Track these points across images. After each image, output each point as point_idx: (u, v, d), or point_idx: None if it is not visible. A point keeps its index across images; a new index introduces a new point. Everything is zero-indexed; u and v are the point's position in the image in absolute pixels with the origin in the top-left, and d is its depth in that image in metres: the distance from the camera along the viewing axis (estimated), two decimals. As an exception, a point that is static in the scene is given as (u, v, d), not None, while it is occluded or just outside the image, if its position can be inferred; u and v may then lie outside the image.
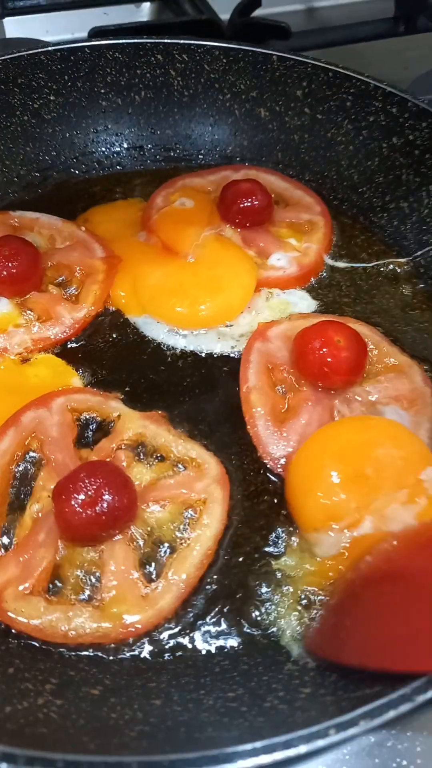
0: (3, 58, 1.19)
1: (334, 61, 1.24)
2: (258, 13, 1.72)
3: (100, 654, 0.74)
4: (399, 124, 1.19)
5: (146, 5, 1.96)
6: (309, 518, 0.83)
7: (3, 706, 0.63)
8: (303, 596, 0.79)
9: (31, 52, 1.21)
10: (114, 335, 1.06)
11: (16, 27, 1.80)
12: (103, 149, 1.33)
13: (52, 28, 1.84)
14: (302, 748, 0.53)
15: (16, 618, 0.75)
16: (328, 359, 0.93)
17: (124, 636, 0.75)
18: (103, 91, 1.30)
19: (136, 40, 1.25)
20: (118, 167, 1.34)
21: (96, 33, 1.50)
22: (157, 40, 1.26)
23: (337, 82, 1.23)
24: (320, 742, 0.54)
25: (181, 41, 1.27)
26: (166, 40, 1.26)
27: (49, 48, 1.23)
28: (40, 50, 1.22)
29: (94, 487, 0.78)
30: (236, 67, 1.29)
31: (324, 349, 0.93)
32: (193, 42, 1.27)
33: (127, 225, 1.21)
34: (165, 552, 0.82)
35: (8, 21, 1.79)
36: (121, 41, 1.25)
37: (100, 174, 1.33)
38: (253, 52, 1.26)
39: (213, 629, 0.77)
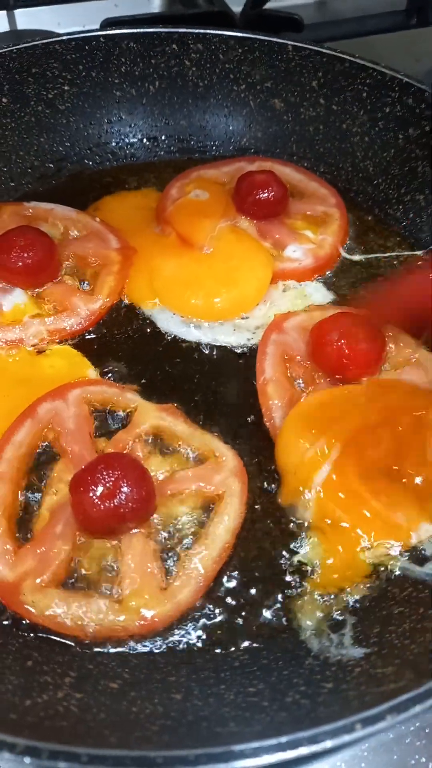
0: (17, 47, 1.18)
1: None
2: (270, 5, 1.70)
3: (118, 647, 0.74)
4: (415, 115, 1.17)
5: (157, -3, 1.94)
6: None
7: (23, 700, 0.62)
8: (323, 590, 0.78)
9: (45, 41, 1.20)
10: (129, 327, 1.05)
11: (28, 19, 1.78)
12: (117, 140, 1.32)
13: (63, 20, 1.82)
14: (328, 743, 0.53)
15: (33, 610, 0.75)
16: (346, 351, 0.92)
17: (143, 629, 0.75)
18: (117, 81, 1.28)
19: (151, 30, 1.24)
20: (132, 158, 1.33)
21: (108, 24, 1.48)
22: (172, 30, 1.25)
23: (353, 73, 1.22)
24: (346, 737, 0.53)
25: (196, 30, 1.26)
26: (181, 30, 1.25)
27: (64, 37, 1.22)
28: (54, 40, 1.21)
29: (113, 479, 0.77)
30: (251, 57, 1.27)
31: (341, 341, 0.93)
32: (208, 31, 1.26)
33: (142, 216, 1.20)
34: (183, 545, 0.81)
35: (20, 13, 1.77)
36: (135, 30, 1.24)
37: (114, 165, 1.31)
38: (268, 42, 1.25)
39: (231, 623, 0.77)
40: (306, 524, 0.84)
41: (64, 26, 1.81)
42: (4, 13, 1.74)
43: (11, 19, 1.74)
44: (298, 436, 0.87)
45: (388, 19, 1.85)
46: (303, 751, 0.54)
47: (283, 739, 0.54)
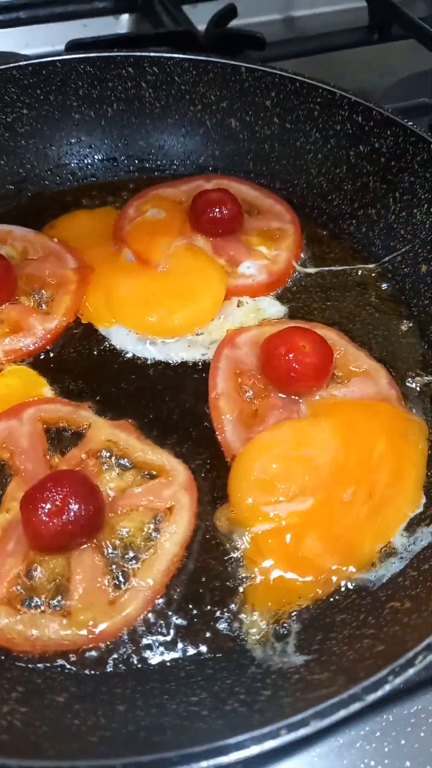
0: (-26, 74, 1.20)
1: (307, 71, 1.26)
2: (235, 23, 1.74)
3: (66, 661, 0.75)
4: (365, 133, 1.21)
5: (125, 17, 1.98)
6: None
7: (-34, 715, 0.64)
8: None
9: (2, 67, 1.22)
10: (85, 345, 1.07)
11: (-4, 39, 1.81)
12: (77, 161, 1.35)
13: (31, 41, 1.86)
14: (254, 749, 0.55)
15: (-17, 627, 0.76)
16: (294, 365, 0.95)
17: (92, 643, 0.76)
18: (75, 104, 1.31)
19: (106, 54, 1.27)
20: (92, 178, 1.35)
21: (73, 46, 1.51)
22: (127, 54, 1.28)
23: (305, 92, 1.25)
24: (272, 743, 0.55)
25: (151, 54, 1.29)
26: (136, 53, 1.28)
27: (21, 63, 1.24)
28: (11, 65, 1.23)
29: (61, 496, 0.79)
30: (206, 79, 1.30)
31: (289, 355, 0.95)
32: (163, 54, 1.29)
33: (99, 235, 1.22)
34: (133, 559, 0.83)
35: (-13, 35, 1.80)
36: (91, 55, 1.27)
37: (74, 185, 1.34)
38: (222, 64, 1.28)
39: (180, 634, 0.78)
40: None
41: (32, 47, 1.84)
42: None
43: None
44: (250, 487, 0.87)
45: (351, 35, 1.89)
46: (232, 757, 0.55)
47: (214, 745, 0.56)
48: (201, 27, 1.73)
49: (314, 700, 0.60)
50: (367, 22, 1.89)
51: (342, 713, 0.57)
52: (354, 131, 1.22)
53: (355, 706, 0.57)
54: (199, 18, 1.78)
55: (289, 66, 1.44)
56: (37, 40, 1.85)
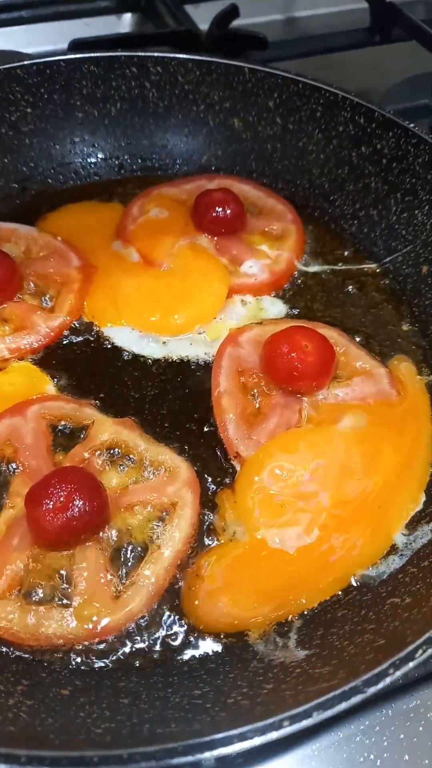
0: (-21, 72, 1.21)
1: (308, 71, 1.27)
2: (237, 23, 1.75)
3: (71, 655, 0.76)
4: (367, 134, 1.22)
5: (127, 16, 1.99)
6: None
7: (-27, 707, 0.65)
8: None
9: (6, 66, 1.23)
10: (89, 343, 1.08)
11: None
12: (80, 160, 1.35)
13: (34, 40, 1.86)
14: (257, 740, 0.56)
15: (-11, 621, 0.77)
16: (296, 364, 0.96)
17: (95, 637, 0.77)
18: (79, 103, 1.32)
19: (110, 54, 1.28)
20: (95, 177, 1.36)
21: (75, 45, 1.52)
22: (131, 53, 1.29)
23: (307, 93, 1.26)
24: (274, 734, 0.56)
25: (155, 54, 1.29)
26: (140, 54, 1.29)
27: (25, 62, 1.25)
28: (16, 65, 1.24)
29: (65, 492, 0.80)
30: (209, 79, 1.31)
31: (292, 354, 0.96)
32: (167, 55, 1.29)
33: (102, 232, 1.23)
34: (136, 555, 0.84)
35: (-10, 32, 1.81)
36: (95, 55, 1.28)
37: (77, 183, 1.35)
38: (225, 65, 1.29)
39: (182, 629, 0.79)
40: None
41: (34, 45, 1.85)
42: (-26, 35, 1.78)
43: (-21, 40, 1.77)
44: (259, 503, 0.88)
45: (352, 36, 1.90)
46: (235, 747, 0.56)
47: (218, 736, 0.57)
48: (203, 26, 1.75)
49: (316, 692, 0.61)
50: (369, 23, 1.91)
51: (343, 705, 0.58)
52: (356, 132, 1.23)
53: (356, 699, 0.58)
54: (201, 17, 1.79)
55: (291, 66, 1.45)
56: (39, 39, 1.86)
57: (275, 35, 1.77)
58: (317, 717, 0.57)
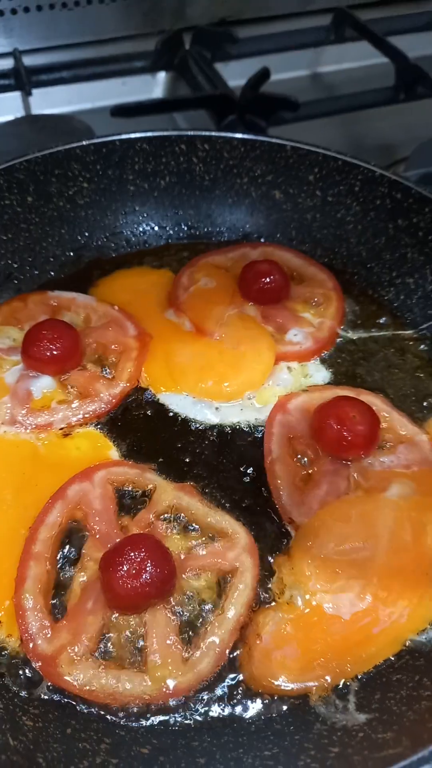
0: (42, 153, 1.31)
1: (335, 128, 1.36)
2: (267, 85, 1.85)
3: (146, 715, 0.82)
4: (404, 209, 1.30)
5: (161, 75, 2.10)
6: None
7: (67, 766, 0.71)
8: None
9: (67, 147, 1.33)
10: (146, 409, 1.15)
11: (41, 99, 1.94)
12: (131, 229, 1.45)
13: (74, 98, 1.99)
14: (336, 806, 0.61)
15: (69, 681, 0.83)
16: (345, 434, 1.02)
17: (168, 697, 0.83)
18: (131, 177, 1.42)
19: (162, 134, 1.37)
20: (145, 245, 1.45)
21: (116, 111, 1.63)
22: (181, 133, 1.38)
23: (346, 169, 1.35)
24: (352, 801, 0.61)
25: (204, 133, 1.39)
26: (189, 133, 1.38)
27: (84, 143, 1.34)
28: (75, 145, 1.34)
29: (138, 560, 0.86)
30: (253, 155, 1.41)
31: (341, 425, 1.03)
32: (213, 134, 1.39)
33: (154, 300, 1.31)
34: (201, 618, 0.90)
35: (33, 94, 1.92)
36: (148, 134, 1.37)
37: (128, 251, 1.44)
38: (269, 143, 1.38)
39: (247, 691, 0.85)
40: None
41: (74, 104, 1.98)
42: (19, 95, 1.89)
43: (26, 104, 1.88)
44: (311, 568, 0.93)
45: (378, 94, 2.00)
46: None
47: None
48: (232, 83, 1.85)
49: (383, 759, 0.66)
50: (393, 81, 2.01)
51: (412, 774, 0.63)
52: (393, 206, 1.31)
53: (425, 768, 0.64)
54: (231, 74, 1.90)
55: (318, 124, 1.54)
56: (79, 98, 1.99)
57: (302, 92, 1.86)
58: (389, 785, 0.62)
